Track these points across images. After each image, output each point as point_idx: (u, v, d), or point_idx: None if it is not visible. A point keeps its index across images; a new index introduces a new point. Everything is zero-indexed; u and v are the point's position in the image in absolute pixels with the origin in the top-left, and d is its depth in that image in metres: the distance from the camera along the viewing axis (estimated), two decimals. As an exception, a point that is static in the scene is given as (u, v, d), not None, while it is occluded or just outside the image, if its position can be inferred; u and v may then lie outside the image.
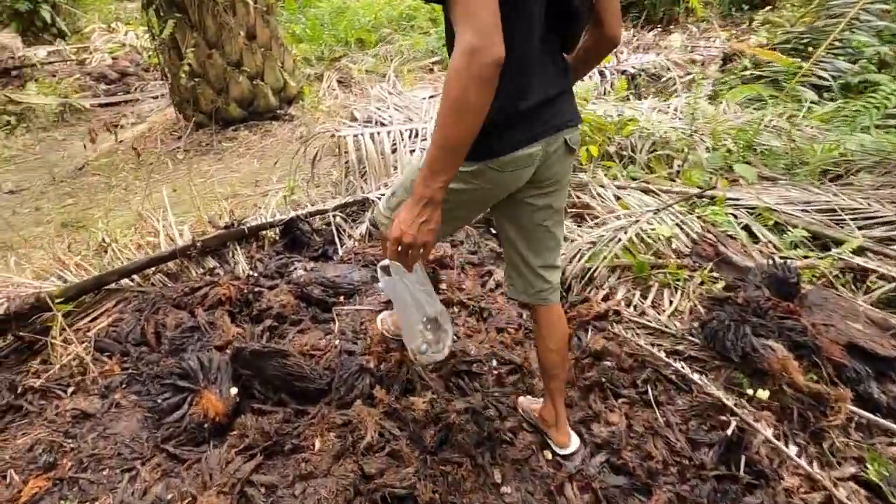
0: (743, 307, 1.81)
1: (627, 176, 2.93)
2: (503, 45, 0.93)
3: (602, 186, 2.74)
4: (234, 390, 1.89)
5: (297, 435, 1.75)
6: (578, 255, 2.28)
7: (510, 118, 1.15)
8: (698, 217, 2.41)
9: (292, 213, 2.88)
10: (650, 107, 4.18)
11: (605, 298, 2.13)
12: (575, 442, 1.63)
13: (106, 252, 2.81)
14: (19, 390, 2.05)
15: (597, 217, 2.55)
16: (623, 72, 6.36)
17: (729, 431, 1.56)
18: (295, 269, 2.68)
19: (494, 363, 2.01)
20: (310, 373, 1.94)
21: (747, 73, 4.43)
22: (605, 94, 5.37)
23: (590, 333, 2.02)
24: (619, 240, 2.21)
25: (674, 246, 2.23)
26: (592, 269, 2.21)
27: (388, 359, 1.97)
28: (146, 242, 2.80)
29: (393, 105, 3.67)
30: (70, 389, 2.05)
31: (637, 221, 2.29)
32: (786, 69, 4.13)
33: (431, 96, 4.50)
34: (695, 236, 2.29)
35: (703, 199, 2.54)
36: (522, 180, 1.26)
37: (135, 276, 2.57)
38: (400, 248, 1.07)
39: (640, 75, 6.32)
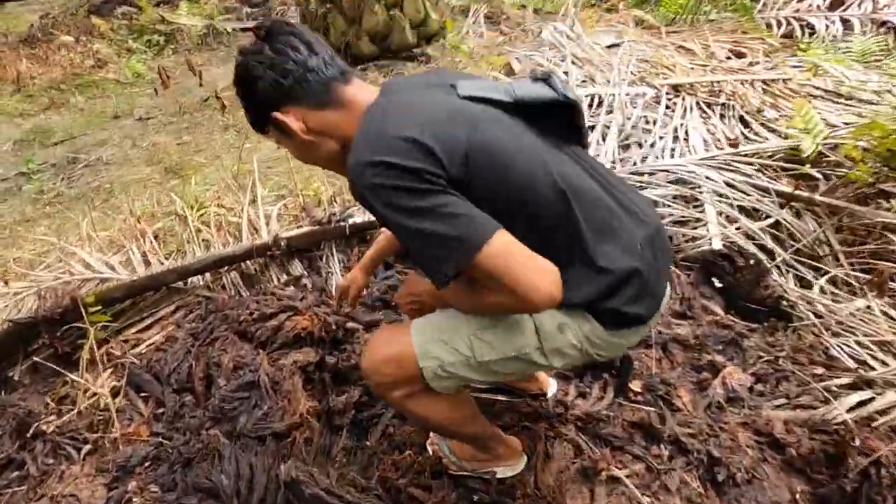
0: None
1: None
2: (561, 287, 0.82)
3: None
4: (276, 555, 1.09)
5: None
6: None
7: (646, 271, 0.92)
8: None
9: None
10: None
11: None
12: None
13: (186, 225, 2.16)
14: (31, 432, 1.46)
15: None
16: (883, 23, 4.38)
17: None
18: (405, 297, 1.79)
19: None
20: (402, 551, 1.07)
21: None
22: (866, 57, 3.58)
23: None
24: None
25: None
26: None
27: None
28: (227, 222, 2.09)
29: (571, 55, 2.49)
30: (85, 449, 1.41)
31: None
32: None
33: (613, 45, 3.20)
34: None
35: None
36: None
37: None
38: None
39: (912, 30, 4.28)
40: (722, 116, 2.61)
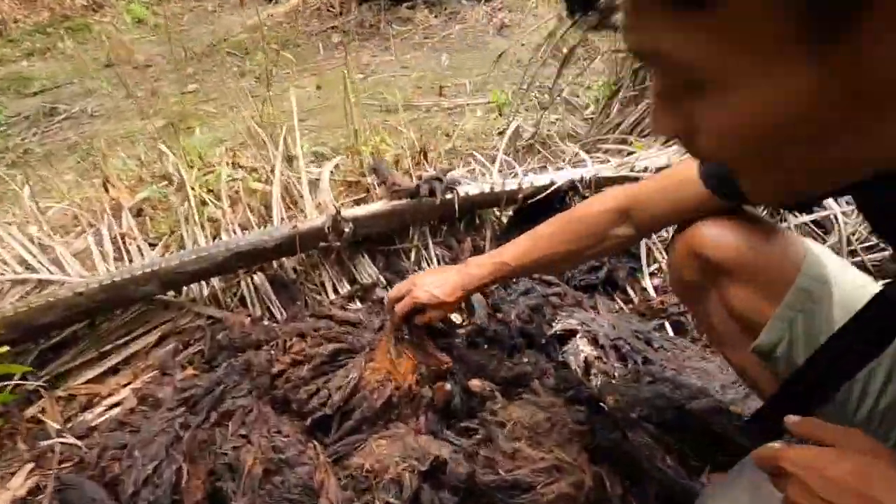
0: None
1: None
2: None
3: None
4: None
5: None
6: None
7: None
8: None
9: (564, 174, 1.13)
10: None
11: None
12: None
13: (185, 195, 1.35)
14: None
15: None
16: None
17: None
18: (569, 329, 0.98)
19: None
20: None
21: None
22: None
23: None
24: None
25: None
26: None
27: None
28: (247, 190, 1.28)
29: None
30: None
31: None
32: None
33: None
34: None
35: None
36: None
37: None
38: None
39: None
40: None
